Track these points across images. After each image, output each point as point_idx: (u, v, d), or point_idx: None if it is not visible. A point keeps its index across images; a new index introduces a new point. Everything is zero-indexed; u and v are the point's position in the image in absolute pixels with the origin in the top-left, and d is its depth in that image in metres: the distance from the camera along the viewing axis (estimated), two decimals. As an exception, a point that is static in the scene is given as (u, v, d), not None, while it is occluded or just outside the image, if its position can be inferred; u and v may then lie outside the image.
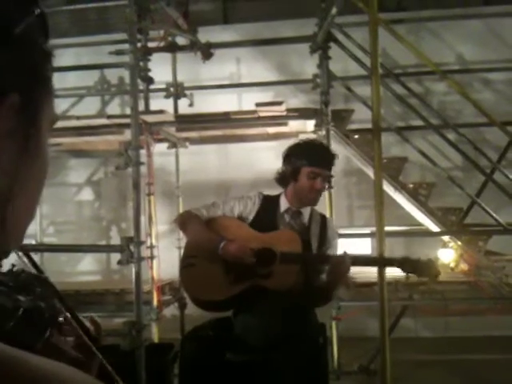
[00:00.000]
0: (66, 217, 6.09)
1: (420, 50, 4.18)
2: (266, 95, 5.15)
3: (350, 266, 2.35)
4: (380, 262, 2.87)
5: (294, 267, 2.37)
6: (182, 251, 2.63)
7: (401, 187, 4.24)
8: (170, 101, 4.76)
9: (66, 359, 0.75)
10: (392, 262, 2.46)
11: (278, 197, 2.56)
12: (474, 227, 4.40)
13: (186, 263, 2.52)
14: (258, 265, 2.35)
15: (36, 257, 5.05)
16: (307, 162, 2.43)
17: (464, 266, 4.31)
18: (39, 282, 0.63)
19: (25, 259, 3.44)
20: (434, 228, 4.25)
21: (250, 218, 2.50)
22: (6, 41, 0.39)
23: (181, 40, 4.55)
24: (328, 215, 3.70)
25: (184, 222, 2.56)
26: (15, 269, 0.63)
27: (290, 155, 2.51)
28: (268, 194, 2.61)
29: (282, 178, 2.54)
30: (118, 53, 4.37)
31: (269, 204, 2.54)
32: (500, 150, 4.71)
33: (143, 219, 3.69)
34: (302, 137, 4.71)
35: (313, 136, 3.98)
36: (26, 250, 4.51)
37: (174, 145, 4.79)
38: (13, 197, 0.44)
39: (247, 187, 2.53)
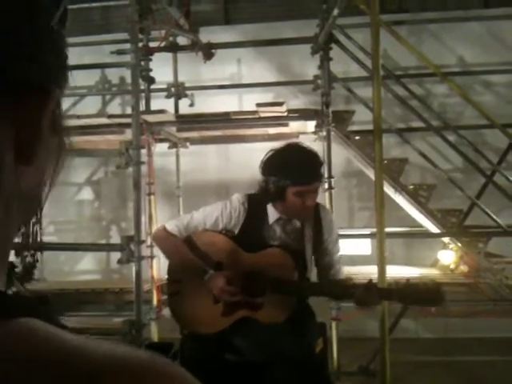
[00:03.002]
0: (66, 216, 6.08)
1: (421, 51, 4.18)
2: (266, 96, 5.16)
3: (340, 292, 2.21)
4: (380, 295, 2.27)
5: (287, 299, 2.22)
6: (167, 275, 2.48)
7: (401, 188, 4.24)
8: (171, 101, 4.76)
9: None
10: (389, 297, 2.23)
11: (265, 202, 2.32)
12: (474, 229, 4.40)
13: (172, 290, 2.40)
14: (247, 294, 2.23)
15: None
16: (290, 181, 2.17)
17: (464, 268, 4.31)
18: None
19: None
20: (434, 229, 4.25)
21: (236, 231, 2.31)
22: (48, 35, 0.39)
23: (182, 40, 4.56)
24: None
25: (161, 242, 2.40)
26: None
27: (270, 173, 2.25)
28: (253, 193, 2.36)
29: (266, 194, 2.27)
30: (120, 52, 4.40)
31: (255, 213, 2.30)
32: (500, 152, 4.70)
33: (143, 219, 3.69)
34: (303, 138, 4.74)
35: (299, 139, 3.90)
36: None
37: (174, 145, 4.80)
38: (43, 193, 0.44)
39: (247, 188, 2.49)
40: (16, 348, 0.33)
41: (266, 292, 2.22)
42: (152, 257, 3.97)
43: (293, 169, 2.19)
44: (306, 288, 2.28)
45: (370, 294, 2.14)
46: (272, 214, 2.31)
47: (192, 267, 2.29)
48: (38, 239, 0.49)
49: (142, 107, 3.83)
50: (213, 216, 2.32)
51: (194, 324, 2.36)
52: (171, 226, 2.37)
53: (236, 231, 2.31)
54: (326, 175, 2.27)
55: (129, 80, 3.71)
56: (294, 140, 3.25)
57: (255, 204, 2.32)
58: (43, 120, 0.39)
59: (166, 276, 2.48)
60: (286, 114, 4.16)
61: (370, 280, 2.20)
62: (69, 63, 0.43)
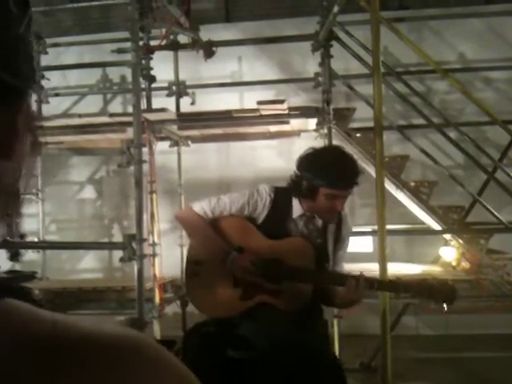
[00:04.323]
0: (68, 215, 6.10)
1: (422, 48, 4.18)
2: (267, 94, 5.16)
3: (363, 291, 2.19)
4: (397, 288, 2.44)
5: (305, 286, 2.25)
6: (186, 253, 2.47)
7: (402, 185, 4.24)
8: (172, 99, 4.77)
9: None
10: (409, 289, 2.28)
11: (290, 196, 2.35)
12: (475, 226, 4.40)
13: (191, 271, 2.40)
14: (266, 279, 2.25)
15: (38, 254, 5.07)
16: (326, 182, 2.19)
17: (465, 265, 4.31)
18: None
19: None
20: (436, 226, 4.25)
21: (260, 219, 2.34)
22: (19, 42, 0.42)
23: (183, 38, 4.56)
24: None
25: (187, 221, 2.42)
26: None
27: (307, 169, 2.25)
28: (279, 186, 2.38)
29: (297, 189, 2.30)
30: (120, 51, 4.40)
31: (280, 205, 2.33)
32: (502, 148, 4.71)
33: (145, 217, 3.70)
34: (304, 136, 4.75)
35: (330, 144, 3.89)
36: (29, 248, 4.53)
37: (175, 143, 4.81)
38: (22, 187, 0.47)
39: (249, 185, 2.49)
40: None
41: (284, 279, 2.24)
42: (154, 255, 3.97)
43: (331, 171, 2.21)
44: (325, 277, 2.31)
45: (358, 283, 2.19)
46: (296, 208, 2.33)
47: (214, 249, 2.31)
48: (19, 231, 0.52)
49: (143, 106, 3.83)
50: (239, 202, 2.34)
51: (212, 307, 2.36)
52: (197, 208, 2.38)
53: (260, 220, 2.34)
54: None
55: (130, 79, 3.72)
56: (283, 142, 3.25)
57: (281, 197, 2.34)
58: (19, 120, 0.42)
59: (186, 256, 2.48)
60: (287, 111, 4.16)
61: (361, 272, 2.25)
62: (36, 66, 0.46)
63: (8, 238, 0.52)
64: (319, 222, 2.38)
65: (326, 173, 2.21)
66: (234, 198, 2.37)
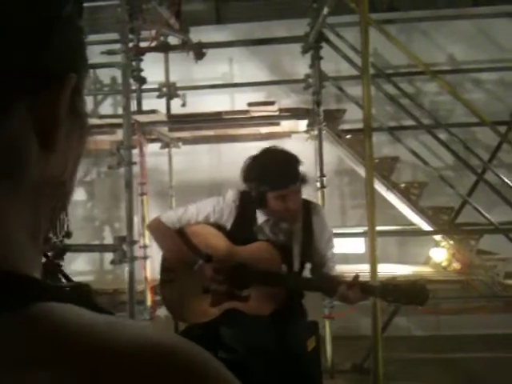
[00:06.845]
0: (58, 217, 6.06)
1: (411, 50, 4.20)
2: (258, 95, 5.16)
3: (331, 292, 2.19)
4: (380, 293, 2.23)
5: (273, 291, 2.24)
6: (160, 264, 2.52)
7: (392, 187, 4.26)
8: (163, 101, 4.75)
9: None
10: (372, 292, 2.17)
11: (254, 204, 2.31)
12: (465, 226, 4.42)
13: (164, 278, 2.44)
14: (234, 286, 2.26)
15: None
16: (268, 186, 2.17)
17: (456, 265, 4.34)
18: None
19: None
20: (426, 227, 4.27)
21: (227, 226, 2.35)
22: (57, 23, 0.39)
23: (173, 40, 4.55)
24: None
25: (157, 233, 2.45)
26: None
27: (249, 180, 2.25)
28: (247, 191, 2.34)
29: (249, 200, 2.27)
30: (110, 52, 4.38)
31: (246, 211, 2.32)
32: (491, 149, 4.74)
33: (136, 219, 3.68)
34: (295, 137, 4.75)
35: (281, 142, 3.88)
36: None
37: (166, 145, 4.80)
38: (69, 177, 0.44)
39: (240, 187, 2.49)
40: (26, 334, 0.33)
41: (252, 284, 2.24)
42: (145, 257, 3.96)
43: (268, 174, 2.19)
44: (292, 280, 2.29)
45: (352, 290, 2.13)
46: (260, 216, 2.33)
47: (183, 258, 2.34)
48: (65, 226, 0.49)
49: (134, 107, 3.82)
50: (206, 210, 2.36)
51: (183, 313, 2.40)
52: (165, 218, 2.41)
53: (227, 227, 2.35)
54: (313, 175, 2.25)
55: (120, 80, 3.70)
56: (273, 143, 3.18)
57: (246, 203, 2.32)
58: (60, 107, 0.39)
59: (160, 265, 2.52)
60: (277, 113, 4.17)
61: (356, 276, 2.18)
62: (86, 46, 0.43)
63: (52, 236, 0.49)
64: (285, 224, 2.35)
65: (266, 177, 2.18)
66: (200, 207, 2.38)
